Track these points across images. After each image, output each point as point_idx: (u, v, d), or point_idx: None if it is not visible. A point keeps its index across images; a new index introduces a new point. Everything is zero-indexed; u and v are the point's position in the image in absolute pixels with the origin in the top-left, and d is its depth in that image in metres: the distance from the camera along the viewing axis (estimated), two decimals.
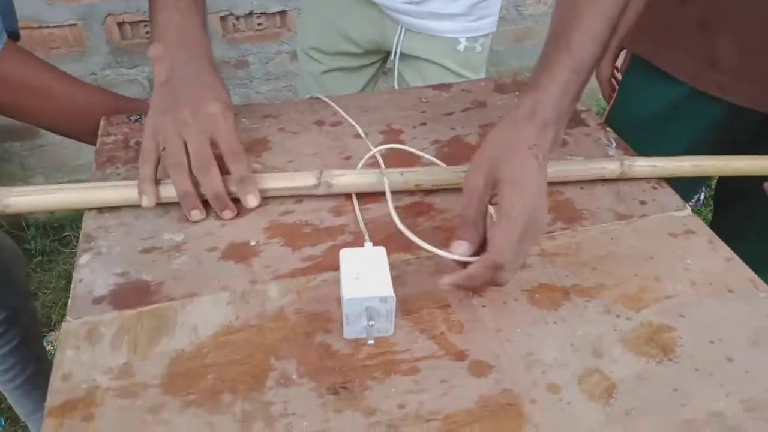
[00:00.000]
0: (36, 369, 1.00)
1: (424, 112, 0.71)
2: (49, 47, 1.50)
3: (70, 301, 0.46)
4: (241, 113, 0.69)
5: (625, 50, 0.90)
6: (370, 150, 0.63)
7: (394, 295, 0.42)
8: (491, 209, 0.46)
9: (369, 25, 0.91)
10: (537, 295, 0.48)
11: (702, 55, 0.74)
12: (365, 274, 0.44)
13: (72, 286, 0.47)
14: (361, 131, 0.66)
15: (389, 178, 0.55)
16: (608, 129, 0.69)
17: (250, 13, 1.62)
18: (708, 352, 0.44)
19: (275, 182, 0.55)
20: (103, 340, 0.43)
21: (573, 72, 0.49)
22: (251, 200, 0.54)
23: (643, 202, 0.59)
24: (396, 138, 0.66)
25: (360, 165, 0.59)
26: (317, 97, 0.72)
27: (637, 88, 0.85)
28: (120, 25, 1.55)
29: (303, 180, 0.55)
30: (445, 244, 0.52)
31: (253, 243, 0.52)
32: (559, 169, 0.59)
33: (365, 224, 0.54)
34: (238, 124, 0.54)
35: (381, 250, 0.47)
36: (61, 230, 1.63)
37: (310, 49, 0.98)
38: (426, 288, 0.48)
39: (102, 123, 0.66)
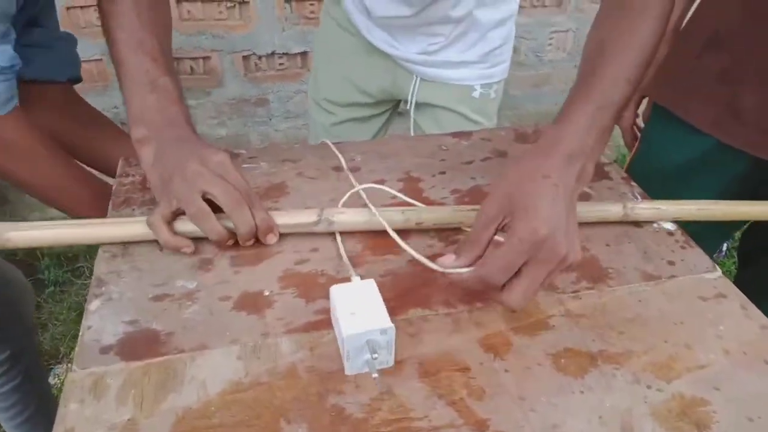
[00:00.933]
0: (38, 407, 0.98)
1: (443, 160, 0.70)
2: None
3: (77, 348, 0.45)
4: (259, 156, 0.69)
5: (647, 98, 0.89)
6: (393, 196, 0.62)
7: (393, 325, 0.43)
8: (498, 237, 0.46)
9: (382, 76, 0.91)
10: (562, 361, 0.46)
11: (724, 106, 0.73)
12: (360, 309, 0.44)
13: (80, 332, 0.46)
14: (354, 181, 0.65)
15: (390, 217, 0.55)
16: (633, 183, 0.67)
17: (272, 53, 1.64)
18: (747, 431, 0.41)
19: (276, 219, 0.55)
20: (109, 394, 0.41)
21: (600, 108, 0.49)
22: (270, 239, 0.54)
23: (671, 263, 0.56)
24: (415, 186, 0.65)
25: (341, 203, 0.58)
26: (336, 143, 0.71)
27: (659, 137, 0.84)
28: None
29: (304, 217, 0.55)
30: (464, 300, 0.51)
31: (267, 293, 0.50)
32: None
33: (382, 276, 0.53)
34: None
35: (371, 283, 0.47)
36: (75, 260, 1.63)
37: (322, 100, 0.97)
38: (444, 348, 0.46)
39: (120, 163, 0.65)
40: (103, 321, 0.47)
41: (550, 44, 1.88)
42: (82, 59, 1.50)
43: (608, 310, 0.51)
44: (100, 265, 0.52)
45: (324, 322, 0.48)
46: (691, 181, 0.80)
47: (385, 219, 0.54)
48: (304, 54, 1.66)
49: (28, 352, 0.93)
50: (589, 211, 0.59)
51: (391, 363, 0.44)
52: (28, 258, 1.61)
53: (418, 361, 0.45)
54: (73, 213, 0.67)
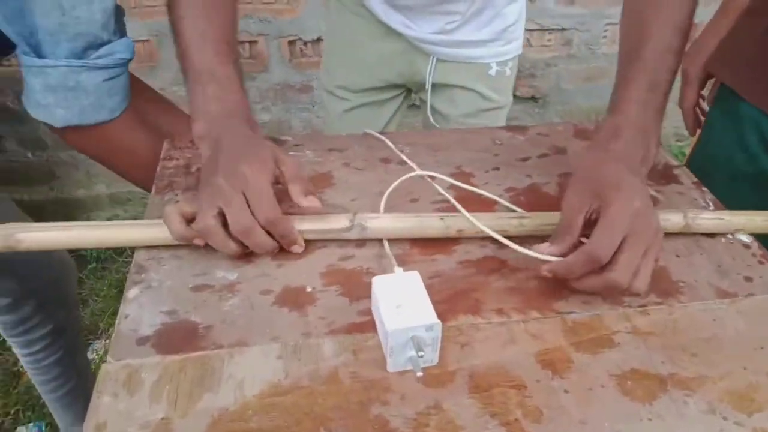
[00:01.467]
0: (77, 382, 0.98)
1: (497, 155, 0.66)
2: None
3: (113, 337, 0.43)
4: (305, 144, 0.66)
5: (714, 78, 0.81)
6: (440, 194, 0.59)
7: (439, 321, 0.41)
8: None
9: (398, 59, 0.90)
10: (629, 383, 0.42)
11: None
12: (405, 303, 0.42)
13: (117, 320, 0.44)
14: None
15: (428, 224, 0.52)
16: (704, 189, 0.62)
17: (318, 39, 1.62)
18: None
19: (305, 224, 0.51)
20: (143, 389, 0.39)
21: (649, 89, 0.50)
22: (295, 249, 0.51)
23: (748, 279, 0.51)
24: (467, 181, 0.61)
25: (383, 200, 0.55)
26: (383, 133, 0.68)
27: (723, 123, 0.76)
28: None
29: (335, 222, 0.51)
30: (518, 309, 0.47)
31: (309, 289, 0.48)
32: None
33: (430, 277, 0.49)
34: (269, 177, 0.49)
35: (415, 276, 0.45)
36: None
37: (335, 87, 0.96)
38: (498, 360, 0.43)
39: (165, 146, 0.64)
40: (141, 310, 0.45)
41: (605, 37, 1.79)
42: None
43: (679, 329, 0.46)
44: (140, 252, 0.50)
45: (368, 324, 0.45)
46: (758, 172, 0.72)
47: (423, 226, 0.51)
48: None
49: (71, 328, 0.94)
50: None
51: (436, 361, 0.42)
52: None
53: (469, 373, 0.42)
54: None
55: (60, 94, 0.55)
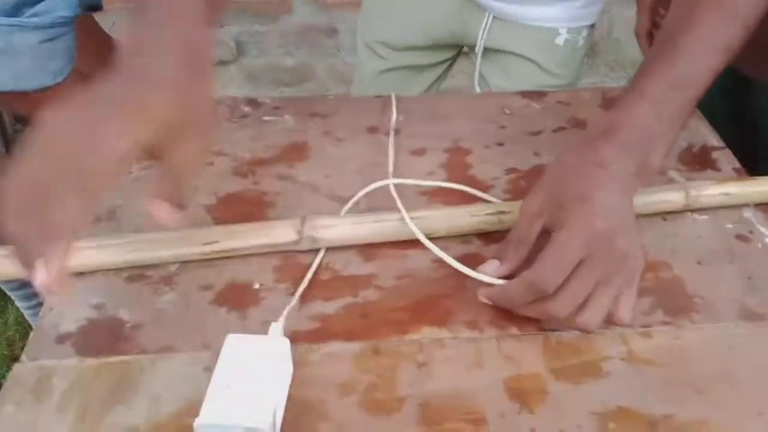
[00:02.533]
0: None
1: (503, 127, 0.57)
2: None
3: (33, 333, 0.39)
4: (284, 108, 0.59)
5: None
6: (431, 171, 0.51)
7: (268, 428, 0.31)
8: None
9: (449, 14, 0.76)
10: (610, 425, 0.35)
11: None
12: (242, 382, 0.32)
13: (41, 312, 0.40)
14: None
15: (390, 227, 0.44)
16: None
17: None
18: None
19: (243, 237, 0.43)
20: (51, 397, 0.35)
21: (673, 86, 0.41)
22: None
23: None
24: (461, 160, 0.53)
25: (344, 210, 0.47)
26: (379, 96, 0.60)
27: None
28: None
29: (280, 234, 0.43)
30: (494, 322, 0.40)
31: (256, 285, 0.42)
32: None
33: (398, 277, 0.43)
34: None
35: (284, 345, 0.35)
36: None
37: (374, 42, 0.83)
38: (459, 387, 0.37)
39: None
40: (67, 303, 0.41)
41: None
42: None
43: (687, 357, 0.38)
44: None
45: (317, 332, 0.39)
46: None
47: (385, 231, 0.44)
48: None
49: None
50: (645, 203, 0.46)
51: None
52: None
53: (421, 401, 0.36)
54: None
55: None
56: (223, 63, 1.64)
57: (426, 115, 0.59)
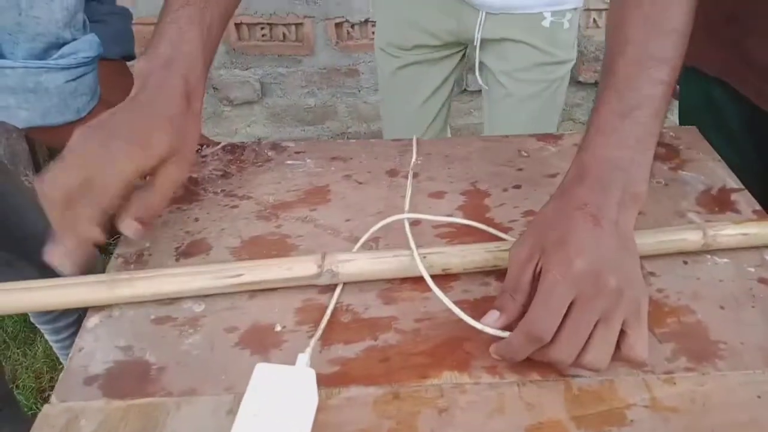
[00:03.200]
0: None
1: (521, 170, 0.58)
2: None
3: (62, 374, 0.40)
4: (307, 152, 0.61)
5: None
6: (449, 213, 0.52)
7: None
8: None
9: (446, 15, 0.84)
10: None
11: (732, 50, 0.63)
12: (269, 411, 0.34)
13: (70, 354, 0.42)
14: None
15: (409, 263, 0.44)
16: None
17: (366, 21, 1.55)
18: None
19: (264, 271, 0.44)
20: None
21: (621, 115, 0.41)
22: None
23: None
24: (479, 202, 0.54)
25: (358, 245, 0.48)
26: (398, 140, 0.62)
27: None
28: (237, 26, 1.56)
29: (301, 269, 0.44)
30: (515, 368, 0.40)
31: (278, 328, 0.43)
32: None
33: (417, 320, 0.43)
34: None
35: (309, 376, 0.36)
36: None
37: (386, 45, 0.91)
38: None
39: None
40: (96, 343, 0.42)
41: None
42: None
43: (711, 406, 0.38)
44: (111, 273, 0.47)
45: (337, 377, 0.40)
46: (703, 128, 0.65)
47: (404, 266, 0.44)
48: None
49: None
50: (660, 241, 0.47)
51: None
52: None
53: None
54: None
55: (20, 95, 0.53)
56: (248, 103, 1.69)
57: (444, 158, 0.60)
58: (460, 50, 0.92)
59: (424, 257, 0.45)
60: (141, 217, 0.44)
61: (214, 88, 1.64)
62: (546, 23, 0.82)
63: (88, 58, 0.54)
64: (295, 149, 0.61)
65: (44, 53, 0.52)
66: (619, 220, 0.39)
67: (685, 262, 0.48)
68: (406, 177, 0.56)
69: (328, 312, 0.43)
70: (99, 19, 0.71)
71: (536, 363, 0.40)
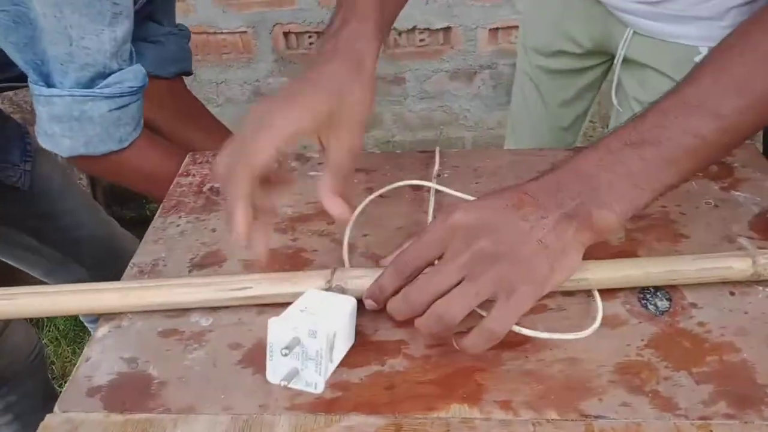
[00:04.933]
0: None
1: None
2: (221, 52, 1.57)
3: (67, 384, 0.40)
4: None
5: None
6: None
7: (331, 331, 0.36)
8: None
9: (593, 25, 0.77)
10: None
11: None
12: (314, 310, 0.38)
13: (77, 363, 0.42)
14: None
15: None
16: None
17: (413, 29, 1.54)
18: None
19: (272, 287, 0.43)
20: None
21: (627, 145, 0.38)
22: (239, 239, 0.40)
23: None
24: None
25: (355, 213, 0.48)
26: (424, 151, 0.59)
27: None
28: (286, 35, 1.58)
29: (310, 283, 0.42)
30: (531, 404, 0.37)
31: None
32: (661, 270, 0.42)
33: (429, 347, 0.41)
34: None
35: (350, 301, 0.40)
36: None
37: (528, 47, 0.87)
38: None
39: (186, 160, 0.61)
40: (103, 354, 0.42)
41: None
42: (227, 31, 1.55)
43: None
44: (123, 281, 0.47)
45: (338, 402, 0.38)
46: None
47: None
48: (447, 30, 1.52)
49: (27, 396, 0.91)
50: (702, 269, 0.42)
51: (320, 389, 0.37)
52: None
53: None
54: None
55: (65, 123, 0.54)
56: None
57: (472, 171, 0.57)
58: (604, 62, 0.84)
59: None
60: (332, 189, 0.41)
61: (262, 95, 1.67)
62: (699, 59, 0.68)
63: (133, 88, 0.55)
64: (319, 160, 0.60)
65: (90, 82, 0.53)
66: (556, 227, 0.37)
67: (732, 293, 0.43)
68: (429, 191, 0.54)
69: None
70: (156, 40, 0.74)
71: (554, 400, 0.37)
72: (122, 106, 0.55)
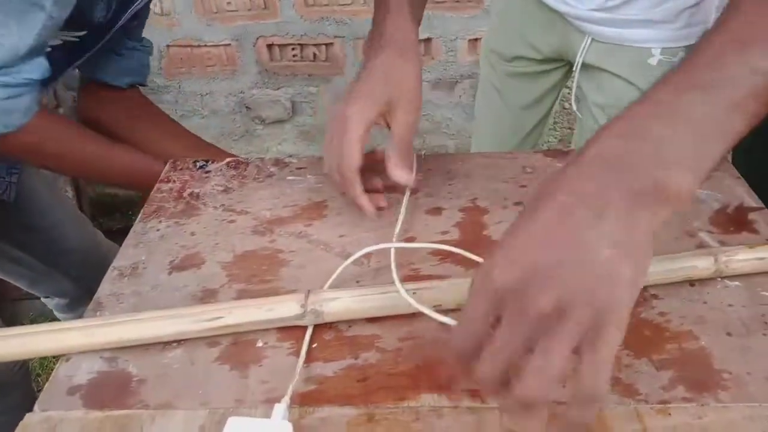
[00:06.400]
0: None
1: (523, 186, 0.56)
2: (206, 65, 1.59)
3: (47, 384, 0.41)
4: (309, 168, 0.61)
5: None
6: (445, 230, 0.51)
7: None
8: None
9: (552, 33, 0.79)
10: None
11: None
12: None
13: (58, 363, 0.42)
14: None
15: (396, 300, 0.42)
16: None
17: None
18: None
19: (246, 315, 0.42)
20: None
21: (682, 91, 0.32)
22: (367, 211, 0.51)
23: None
24: (478, 219, 0.53)
25: (329, 282, 0.45)
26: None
27: None
28: (269, 47, 1.60)
29: (283, 309, 0.42)
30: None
31: (260, 344, 0.43)
32: None
33: (401, 339, 0.42)
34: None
35: (286, 428, 0.35)
36: None
37: (489, 52, 0.90)
38: None
39: (167, 167, 0.62)
40: (84, 353, 0.43)
41: None
42: (211, 44, 1.56)
43: None
44: (104, 286, 0.48)
45: (314, 395, 0.39)
46: None
47: (388, 302, 0.42)
48: (427, 41, 1.55)
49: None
50: (668, 270, 0.44)
51: None
52: None
53: None
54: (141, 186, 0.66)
55: None
56: (279, 122, 1.72)
57: (445, 174, 0.59)
58: (563, 66, 0.86)
59: (414, 293, 0.42)
60: (397, 160, 0.51)
61: (246, 107, 1.68)
62: (653, 61, 0.72)
63: (28, 79, 0.56)
64: (297, 165, 0.61)
65: None
66: (624, 216, 0.29)
67: (692, 284, 0.45)
68: (402, 193, 0.55)
69: (305, 340, 0.42)
70: (121, 52, 0.76)
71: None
72: (14, 96, 0.56)
